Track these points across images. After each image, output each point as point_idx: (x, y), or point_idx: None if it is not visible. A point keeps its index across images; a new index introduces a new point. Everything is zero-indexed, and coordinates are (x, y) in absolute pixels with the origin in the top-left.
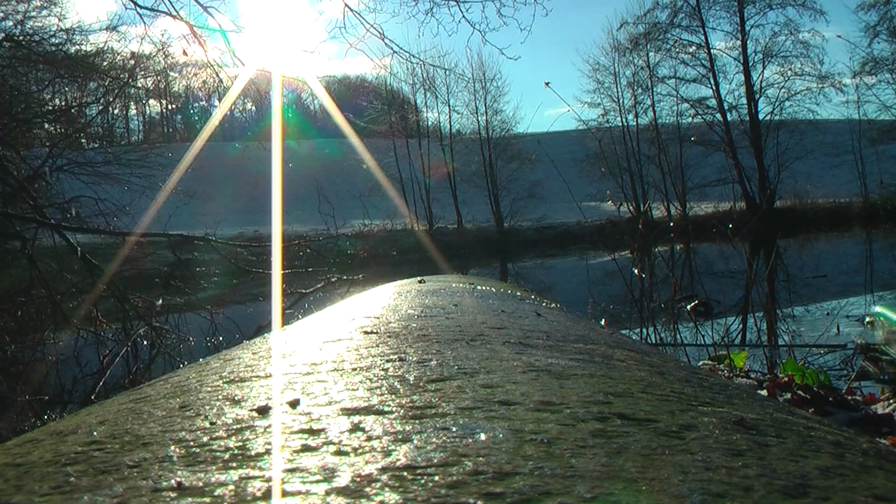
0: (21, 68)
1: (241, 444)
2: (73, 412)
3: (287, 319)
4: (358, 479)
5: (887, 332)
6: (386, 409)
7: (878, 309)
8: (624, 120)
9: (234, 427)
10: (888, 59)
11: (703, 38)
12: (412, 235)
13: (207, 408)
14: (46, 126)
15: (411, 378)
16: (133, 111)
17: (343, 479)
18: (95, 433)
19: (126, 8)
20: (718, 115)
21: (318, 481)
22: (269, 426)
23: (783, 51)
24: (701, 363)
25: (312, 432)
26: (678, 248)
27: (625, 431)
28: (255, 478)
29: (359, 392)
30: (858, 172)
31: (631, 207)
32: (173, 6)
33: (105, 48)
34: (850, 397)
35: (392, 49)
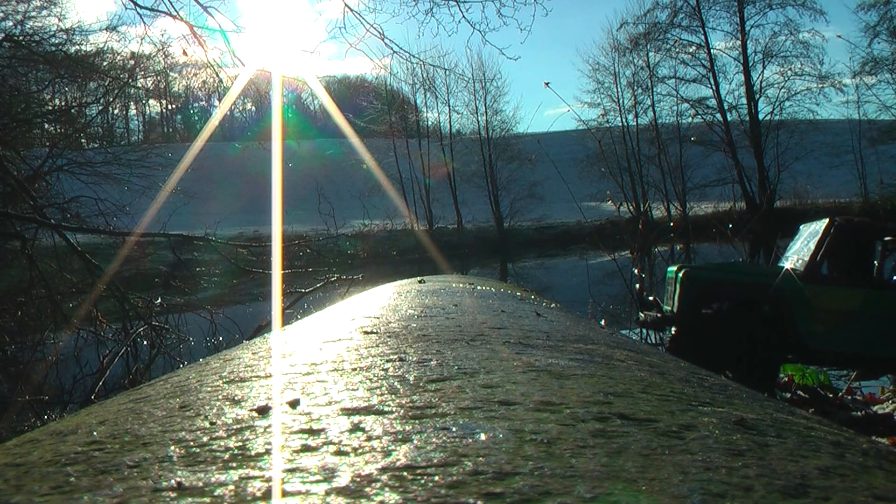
0: (21, 68)
1: (241, 444)
2: (73, 412)
3: (287, 319)
4: (358, 479)
5: (668, 283)
6: (386, 409)
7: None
8: (624, 120)
9: (234, 427)
10: (888, 59)
11: (703, 38)
12: (412, 235)
13: (207, 408)
14: (46, 126)
15: (411, 378)
16: (133, 111)
17: (343, 479)
18: (95, 433)
19: (126, 8)
20: (718, 115)
21: (318, 481)
22: (269, 426)
23: (783, 51)
24: None
25: (312, 432)
26: (678, 248)
27: (625, 431)
28: (255, 478)
29: (359, 392)
30: (858, 172)
31: (631, 207)
32: (173, 6)
33: (105, 48)
34: (849, 397)
35: (392, 49)
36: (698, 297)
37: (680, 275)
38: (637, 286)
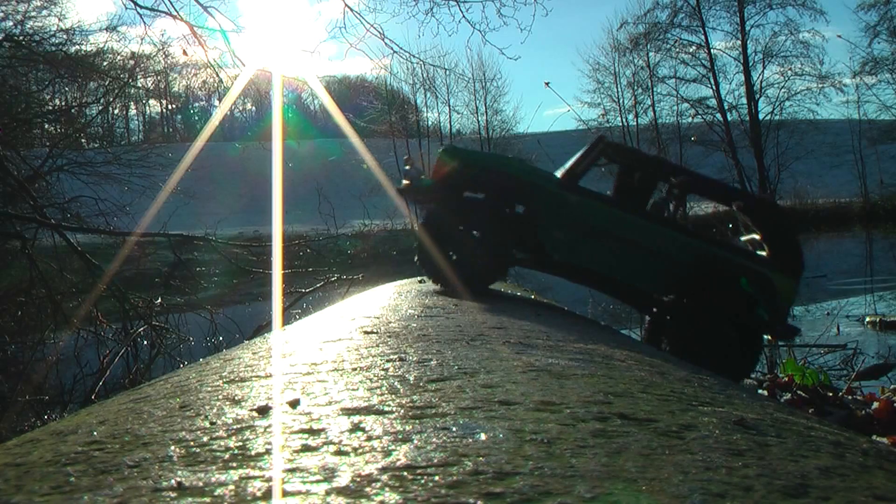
0: (21, 68)
1: (241, 444)
2: (73, 412)
3: (287, 319)
4: (358, 479)
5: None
6: (386, 409)
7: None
8: (624, 120)
9: (235, 427)
10: (888, 59)
11: (703, 38)
12: (412, 235)
13: (207, 408)
14: (46, 126)
15: (411, 378)
16: (133, 111)
17: (343, 479)
18: (95, 433)
19: (126, 8)
20: (718, 115)
21: (318, 481)
22: (270, 426)
23: (783, 51)
24: None
25: (312, 432)
26: None
27: (625, 431)
28: (255, 478)
29: (359, 392)
30: (858, 172)
31: None
32: (173, 6)
33: (105, 48)
34: (850, 397)
35: (392, 49)
36: (452, 173)
37: (442, 146)
38: (406, 157)
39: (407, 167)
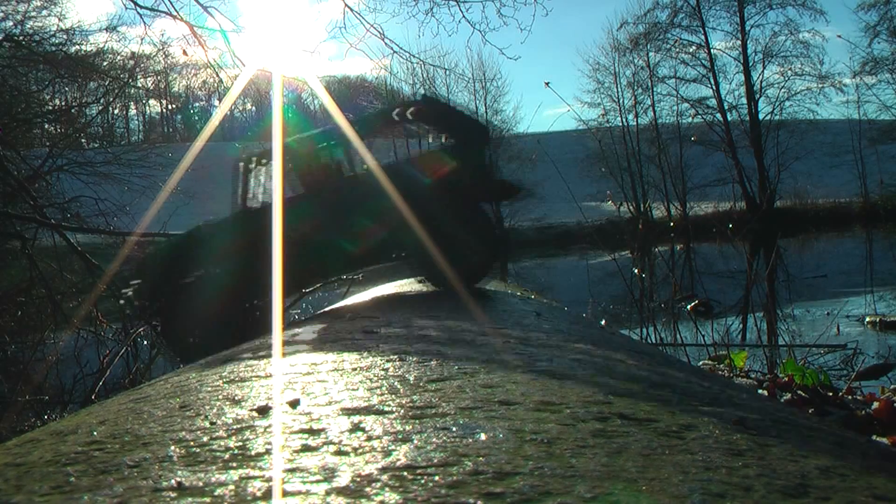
0: (21, 68)
1: (241, 444)
2: (73, 412)
3: (287, 319)
4: (358, 479)
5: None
6: (386, 408)
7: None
8: (624, 120)
9: (235, 427)
10: (888, 59)
11: (703, 38)
12: None
13: (207, 408)
14: (46, 126)
15: (411, 378)
16: (133, 111)
17: (343, 479)
18: (95, 433)
19: (126, 8)
20: (718, 115)
21: (318, 481)
22: (270, 426)
23: (783, 51)
24: (701, 363)
25: (312, 432)
26: (678, 247)
27: (625, 431)
28: (255, 478)
29: (359, 392)
30: (858, 172)
31: (631, 207)
32: (173, 6)
33: (105, 48)
34: (850, 397)
35: (392, 49)
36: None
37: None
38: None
39: None
